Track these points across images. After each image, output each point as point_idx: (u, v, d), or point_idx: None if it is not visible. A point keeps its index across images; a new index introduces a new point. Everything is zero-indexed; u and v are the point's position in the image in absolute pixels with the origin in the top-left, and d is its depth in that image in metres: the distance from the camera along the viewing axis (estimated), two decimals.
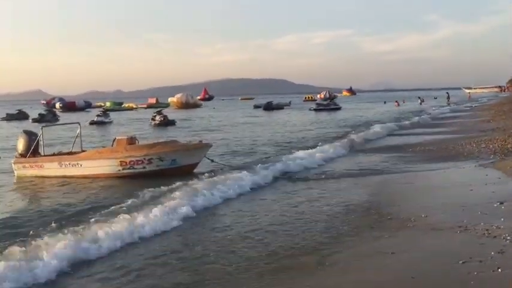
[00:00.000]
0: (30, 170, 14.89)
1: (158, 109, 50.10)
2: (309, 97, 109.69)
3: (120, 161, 14.04)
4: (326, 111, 60.90)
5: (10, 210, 11.18)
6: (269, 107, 71.87)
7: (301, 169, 15.11)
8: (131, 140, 14.77)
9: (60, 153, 15.92)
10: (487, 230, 7.49)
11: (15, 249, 7.20)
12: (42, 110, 60.25)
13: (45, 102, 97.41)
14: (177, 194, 10.76)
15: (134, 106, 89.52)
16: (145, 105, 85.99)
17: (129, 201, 10.57)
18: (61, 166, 14.59)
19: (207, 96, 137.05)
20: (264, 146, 23.31)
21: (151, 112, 49.93)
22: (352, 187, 12.57)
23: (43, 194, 13.20)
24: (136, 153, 14.03)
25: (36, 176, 14.72)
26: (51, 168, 14.68)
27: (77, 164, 14.42)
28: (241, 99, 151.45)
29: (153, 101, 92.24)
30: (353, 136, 24.17)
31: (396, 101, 74.99)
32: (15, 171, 15.21)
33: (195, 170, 14.58)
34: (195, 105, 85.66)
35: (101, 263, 7.49)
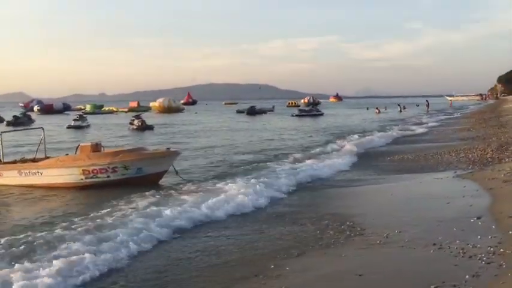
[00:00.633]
0: None
1: (137, 113, 49.30)
2: (292, 103, 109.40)
3: (83, 170, 13.26)
4: (308, 117, 60.89)
5: None
6: (252, 112, 71.81)
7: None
8: (96, 147, 13.98)
9: (22, 160, 15.05)
10: (462, 249, 6.98)
11: None
12: (19, 113, 58.63)
13: (23, 104, 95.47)
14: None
15: (115, 109, 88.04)
16: (126, 109, 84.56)
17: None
18: (21, 174, 13.76)
19: (190, 100, 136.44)
20: (238, 154, 22.10)
21: (132, 116, 49.01)
22: (326, 199, 12.02)
23: None
24: (100, 161, 13.25)
25: None
26: (10, 177, 13.85)
27: (37, 172, 13.62)
28: (225, 103, 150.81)
29: (134, 104, 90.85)
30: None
31: (377, 108, 75.09)
32: None
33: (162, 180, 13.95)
34: (178, 110, 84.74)
35: None
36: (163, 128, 43.27)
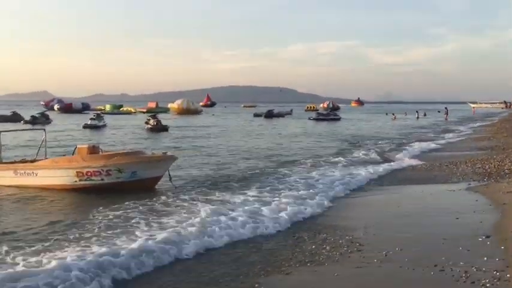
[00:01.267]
0: None
1: (152, 114, 49.30)
2: (310, 107, 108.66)
3: (77, 172, 12.94)
4: (325, 121, 60.44)
5: None
6: (270, 115, 71.77)
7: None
8: (93, 149, 13.65)
9: (22, 161, 14.84)
10: (465, 272, 6.40)
11: None
12: (36, 113, 58.96)
13: (44, 103, 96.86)
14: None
15: (133, 110, 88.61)
16: (144, 110, 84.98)
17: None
18: (16, 175, 13.53)
19: (209, 102, 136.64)
20: (243, 159, 21.19)
21: (148, 116, 49.06)
22: (329, 209, 11.45)
23: None
24: (94, 163, 12.92)
25: None
26: (6, 177, 13.62)
27: (32, 173, 13.37)
28: (244, 106, 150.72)
29: (152, 105, 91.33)
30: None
31: (393, 114, 73.80)
32: None
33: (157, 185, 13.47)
34: (196, 112, 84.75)
35: None
36: (178, 129, 43.11)
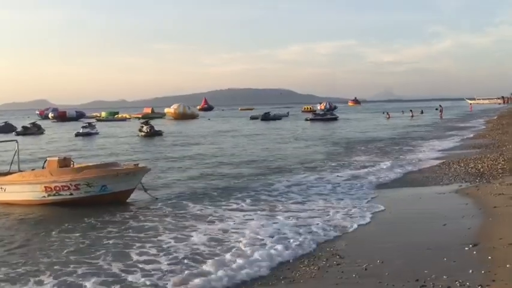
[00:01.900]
0: None
1: (145, 119, 48.88)
2: (307, 108, 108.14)
3: (45, 186, 12.29)
4: (322, 122, 59.94)
5: None
6: (266, 118, 71.24)
7: None
8: (64, 162, 12.96)
9: None
10: (448, 287, 5.90)
11: None
12: (35, 120, 58.14)
13: (38, 112, 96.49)
14: None
15: (128, 116, 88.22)
16: (140, 115, 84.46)
17: None
18: None
19: (206, 106, 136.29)
20: (231, 166, 20.38)
21: (140, 122, 48.50)
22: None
23: None
24: (61, 177, 12.26)
25: None
26: None
27: (1, 188, 12.77)
28: (241, 109, 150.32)
29: (148, 110, 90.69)
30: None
31: (387, 113, 73.20)
32: None
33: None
34: (192, 116, 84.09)
35: None
36: (172, 135, 42.54)
